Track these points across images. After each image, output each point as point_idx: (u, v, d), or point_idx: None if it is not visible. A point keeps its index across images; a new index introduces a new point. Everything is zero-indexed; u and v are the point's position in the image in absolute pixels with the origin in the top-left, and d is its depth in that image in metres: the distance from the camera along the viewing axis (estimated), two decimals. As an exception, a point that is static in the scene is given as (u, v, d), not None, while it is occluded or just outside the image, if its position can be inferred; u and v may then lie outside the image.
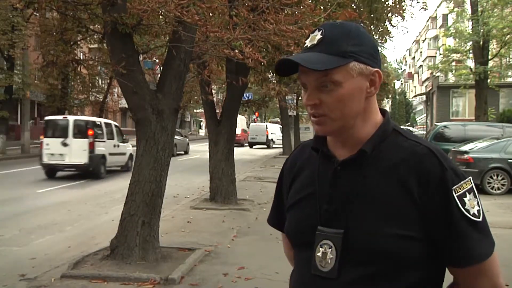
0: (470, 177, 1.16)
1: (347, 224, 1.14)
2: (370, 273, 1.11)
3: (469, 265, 1.11)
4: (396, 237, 1.09)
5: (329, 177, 1.19)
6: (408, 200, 1.11)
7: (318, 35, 1.15)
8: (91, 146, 13.39)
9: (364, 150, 1.16)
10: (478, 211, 1.13)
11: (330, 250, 1.14)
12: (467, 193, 1.13)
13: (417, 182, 1.11)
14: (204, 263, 5.35)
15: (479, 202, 1.14)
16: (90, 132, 13.57)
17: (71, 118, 14.05)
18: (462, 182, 1.13)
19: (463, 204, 1.11)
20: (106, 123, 15.20)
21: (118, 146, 15.10)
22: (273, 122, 43.45)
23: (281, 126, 29.15)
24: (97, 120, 15.44)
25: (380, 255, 1.10)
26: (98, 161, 13.66)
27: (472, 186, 1.15)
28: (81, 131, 13.55)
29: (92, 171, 13.58)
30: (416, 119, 62.25)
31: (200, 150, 28.03)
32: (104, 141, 14.16)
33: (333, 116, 1.14)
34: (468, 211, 1.11)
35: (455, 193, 1.11)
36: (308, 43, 1.17)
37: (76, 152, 13.19)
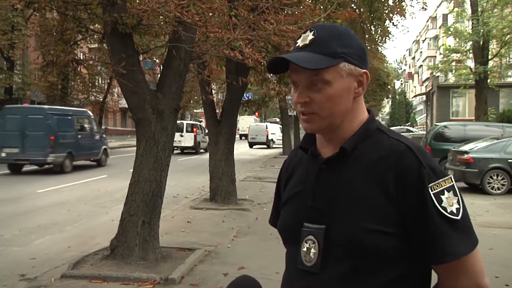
0: (451, 175, 1.17)
1: (328, 220, 1.18)
2: (350, 267, 1.14)
3: (444, 262, 1.13)
4: (374, 233, 1.12)
5: (315, 175, 1.24)
6: (386, 197, 1.13)
7: (310, 36, 1.19)
8: (195, 137, 25.64)
9: (344, 148, 1.20)
10: (457, 209, 1.14)
11: (313, 245, 1.18)
12: (445, 191, 1.13)
13: (395, 179, 1.14)
14: (204, 263, 5.35)
15: (460, 201, 1.15)
16: (195, 129, 25.88)
17: (185, 122, 26.58)
18: (440, 179, 1.14)
19: (440, 201, 1.12)
20: (200, 125, 27.68)
21: (204, 137, 25.36)
22: (271, 122, 43.45)
23: (281, 126, 29.16)
24: (197, 123, 28.50)
25: (359, 250, 1.13)
26: (197, 145, 25.81)
27: (453, 185, 1.16)
28: (190, 128, 25.69)
29: (195, 150, 25.59)
30: (416, 119, 62.23)
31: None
32: (199, 135, 26.08)
33: (322, 114, 1.19)
34: (445, 208, 1.12)
35: (432, 190, 1.12)
36: (300, 43, 1.21)
37: (187, 140, 25.31)
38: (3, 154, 14.34)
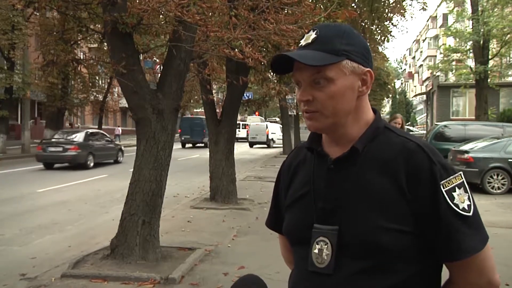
0: (461, 172, 1.17)
1: (341, 221, 1.16)
2: (365, 267, 1.13)
3: (458, 259, 1.13)
4: (389, 231, 1.11)
5: (324, 175, 1.22)
6: (399, 195, 1.13)
7: (312, 35, 1.19)
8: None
9: (356, 147, 1.19)
10: (469, 205, 1.14)
11: (326, 246, 1.17)
12: (456, 187, 1.14)
13: (407, 177, 1.13)
14: (205, 263, 5.35)
15: (470, 197, 1.16)
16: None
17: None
18: (451, 177, 1.14)
19: (452, 198, 1.12)
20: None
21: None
22: (271, 122, 43.55)
23: (281, 126, 29.19)
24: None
25: (375, 249, 1.12)
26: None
27: (463, 181, 1.16)
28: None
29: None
30: (417, 119, 62.21)
31: (200, 149, 28.05)
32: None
33: (326, 112, 1.17)
34: (457, 205, 1.13)
35: (444, 188, 1.12)
36: (303, 42, 1.20)
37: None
38: (183, 138, 31.59)
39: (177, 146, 31.18)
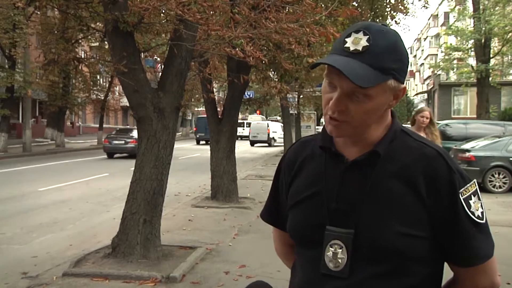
0: (475, 180, 1.19)
1: (357, 224, 1.14)
2: (380, 271, 1.13)
3: (473, 265, 1.15)
4: (406, 236, 1.11)
5: (338, 176, 1.19)
6: (417, 201, 1.13)
7: (363, 41, 1.10)
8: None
9: (377, 151, 1.17)
10: (482, 213, 1.17)
11: (340, 250, 1.15)
12: (472, 195, 1.16)
13: (426, 183, 1.13)
14: (206, 261, 5.36)
15: (482, 205, 1.18)
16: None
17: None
18: (467, 185, 1.16)
19: (469, 206, 1.14)
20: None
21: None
22: (272, 120, 43.57)
23: (282, 124, 29.19)
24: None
25: (390, 254, 1.11)
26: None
27: (477, 189, 1.18)
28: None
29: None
30: (418, 117, 62.07)
31: (200, 148, 28.06)
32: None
33: (354, 123, 1.14)
34: (473, 213, 1.14)
35: (462, 196, 1.14)
36: (350, 45, 1.11)
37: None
38: (197, 136, 34.83)
39: (192, 142, 34.70)
